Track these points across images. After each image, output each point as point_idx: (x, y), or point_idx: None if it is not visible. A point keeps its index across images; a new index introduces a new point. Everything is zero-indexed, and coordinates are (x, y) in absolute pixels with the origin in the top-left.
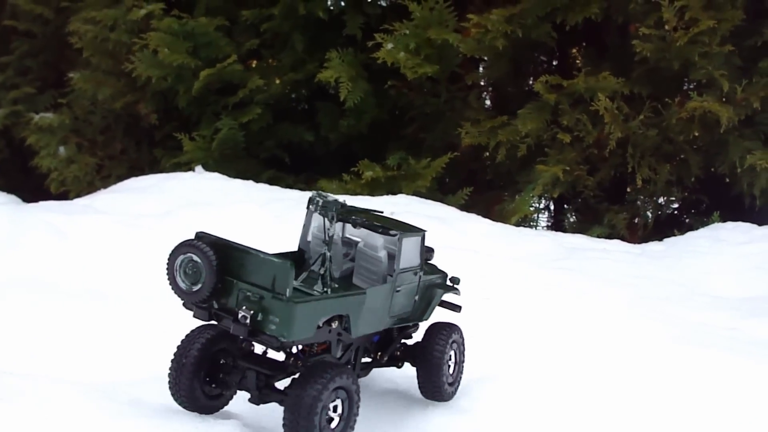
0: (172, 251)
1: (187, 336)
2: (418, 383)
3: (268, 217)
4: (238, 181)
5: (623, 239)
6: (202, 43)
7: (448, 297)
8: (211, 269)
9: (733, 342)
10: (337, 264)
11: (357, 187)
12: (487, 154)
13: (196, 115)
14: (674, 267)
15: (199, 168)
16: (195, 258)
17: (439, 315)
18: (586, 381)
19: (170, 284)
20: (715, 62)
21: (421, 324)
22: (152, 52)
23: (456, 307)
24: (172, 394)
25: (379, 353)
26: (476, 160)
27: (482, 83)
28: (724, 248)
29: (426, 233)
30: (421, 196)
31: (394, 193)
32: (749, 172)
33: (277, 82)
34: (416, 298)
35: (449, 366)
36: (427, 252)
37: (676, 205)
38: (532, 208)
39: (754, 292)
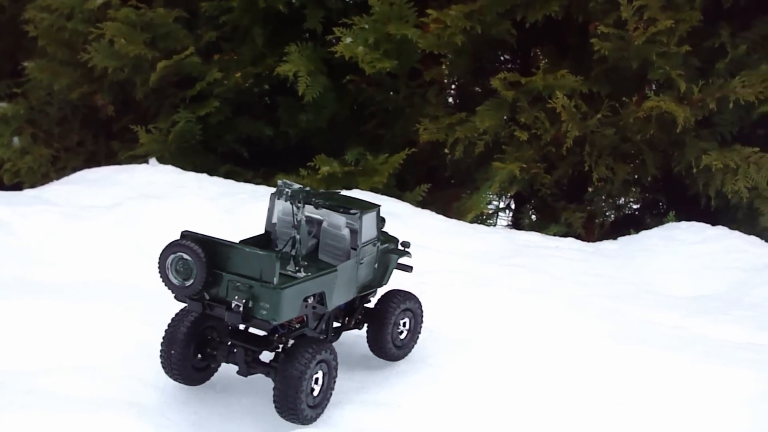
0: (162, 251)
1: (177, 314)
2: (367, 341)
3: (215, 211)
4: (192, 175)
5: (580, 238)
6: (161, 34)
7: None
8: (202, 264)
9: (673, 340)
10: (304, 243)
11: (313, 182)
12: (447, 150)
13: (154, 107)
14: (626, 266)
15: (152, 161)
16: (185, 256)
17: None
18: (515, 376)
19: (163, 282)
20: (672, 62)
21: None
22: (108, 43)
23: (408, 268)
24: (164, 368)
25: (347, 318)
26: (435, 156)
27: (445, 80)
28: (676, 248)
29: (381, 208)
30: (378, 192)
31: (351, 189)
32: (705, 172)
33: (237, 75)
34: (376, 266)
35: (399, 329)
36: (383, 222)
37: (636, 205)
38: (489, 206)
39: (703, 291)
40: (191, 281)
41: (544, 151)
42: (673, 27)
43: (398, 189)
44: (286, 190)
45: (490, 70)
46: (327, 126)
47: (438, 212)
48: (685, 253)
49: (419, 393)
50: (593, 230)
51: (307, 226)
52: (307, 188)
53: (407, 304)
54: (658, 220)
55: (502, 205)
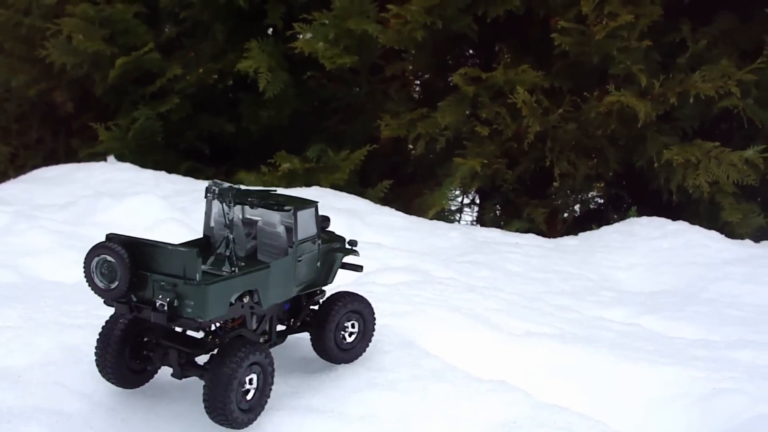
0: (87, 254)
1: (112, 315)
2: (311, 342)
3: (169, 209)
4: (150, 172)
5: (542, 234)
6: (120, 30)
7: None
8: (125, 266)
9: (624, 338)
10: (242, 244)
11: (274, 179)
12: (411, 147)
13: (114, 104)
14: (585, 261)
15: (110, 158)
16: (109, 258)
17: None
18: (454, 380)
19: (89, 285)
20: (633, 57)
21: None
22: (66, 39)
23: (357, 267)
24: (99, 370)
25: (292, 320)
26: (399, 152)
27: (411, 76)
28: (636, 243)
29: (318, 204)
30: (339, 189)
31: (312, 186)
32: (666, 167)
33: (198, 71)
34: (318, 264)
35: (345, 332)
36: (323, 221)
37: (600, 201)
38: (453, 202)
39: (662, 286)
40: (116, 283)
41: (506, 146)
42: (634, 22)
43: (361, 185)
44: (214, 188)
45: (454, 65)
46: (289, 122)
47: (401, 209)
48: (645, 248)
49: (353, 398)
50: (556, 226)
51: (246, 228)
52: (238, 187)
53: (354, 306)
54: (622, 215)
55: (467, 201)
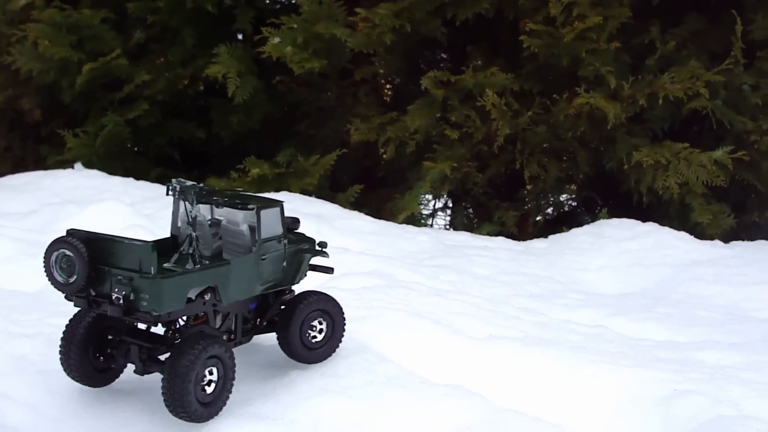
0: (47, 248)
1: (75, 315)
2: (278, 341)
3: (134, 216)
4: (117, 179)
5: (513, 237)
6: (87, 36)
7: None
8: (83, 260)
9: (589, 340)
10: (207, 244)
11: (244, 185)
12: (383, 151)
13: (82, 110)
14: (554, 264)
15: (78, 165)
16: (68, 252)
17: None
18: (411, 386)
19: (48, 279)
20: (602, 59)
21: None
22: (33, 45)
23: (328, 270)
24: (64, 369)
25: (258, 319)
26: (369, 157)
27: (382, 80)
28: (606, 245)
29: (284, 204)
30: (309, 194)
31: (281, 191)
32: (636, 168)
33: (167, 76)
34: (284, 264)
35: (309, 331)
36: (292, 222)
37: (573, 203)
38: (423, 206)
39: (630, 288)
40: (74, 278)
41: (476, 149)
42: (603, 24)
43: (331, 190)
44: (175, 186)
45: (426, 69)
46: (260, 127)
47: (372, 213)
48: (614, 249)
49: (305, 405)
50: (527, 229)
51: (212, 228)
52: (202, 185)
53: (322, 305)
54: (595, 217)
55: (439, 205)
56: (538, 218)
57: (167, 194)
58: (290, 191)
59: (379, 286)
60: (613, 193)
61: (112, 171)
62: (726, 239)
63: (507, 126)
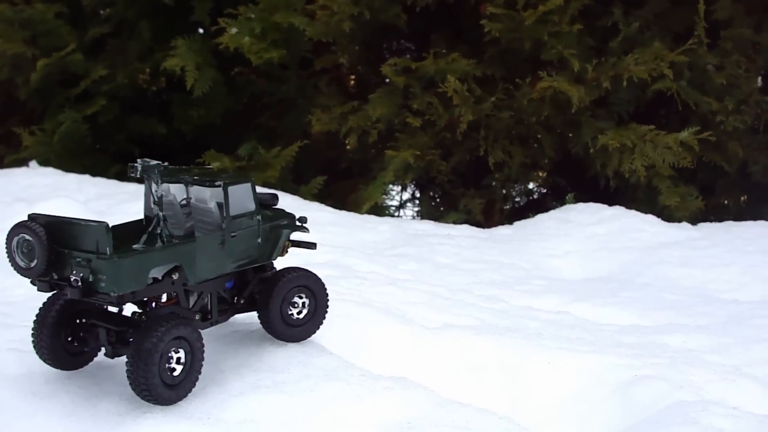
0: (8, 233)
1: (47, 299)
2: (258, 318)
3: (85, 213)
4: (73, 176)
5: (480, 225)
6: (41, 31)
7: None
8: (42, 244)
9: (549, 327)
10: (179, 224)
11: None
12: (346, 141)
13: (39, 107)
14: (519, 250)
15: (33, 163)
16: (27, 237)
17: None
18: (357, 382)
19: (11, 264)
20: (565, 42)
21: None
22: None
23: (311, 245)
24: (36, 352)
25: (236, 298)
26: (332, 148)
27: (345, 70)
28: (571, 230)
29: (253, 181)
30: (271, 187)
31: None
32: (602, 152)
33: (127, 71)
34: (259, 240)
35: (291, 308)
36: (271, 198)
37: (542, 190)
38: (388, 196)
39: (597, 272)
40: (35, 262)
41: (440, 137)
42: (564, 6)
43: (295, 182)
44: (137, 165)
45: (389, 57)
46: (221, 121)
47: (336, 205)
48: (580, 234)
49: (234, 403)
50: (493, 216)
51: (184, 208)
52: (165, 164)
53: (303, 281)
54: (563, 203)
55: (408, 196)
56: (506, 206)
57: (129, 174)
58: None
59: (332, 277)
60: (580, 178)
61: (70, 169)
62: (694, 222)
63: (470, 112)
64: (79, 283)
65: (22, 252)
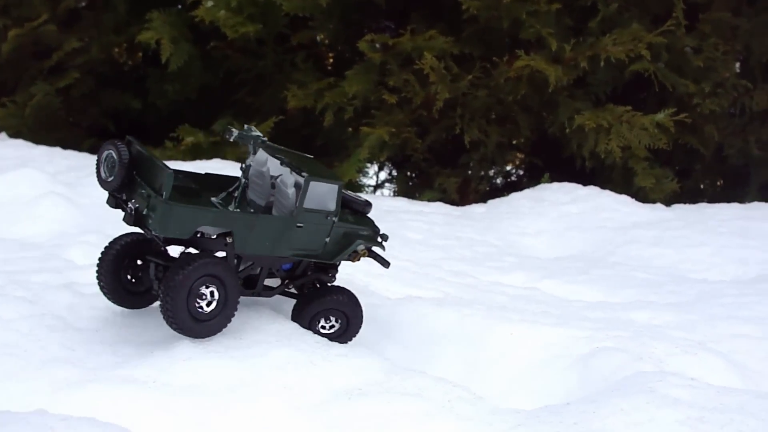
0: (102, 146)
1: (112, 239)
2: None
3: (51, 184)
4: (43, 149)
5: (455, 204)
6: (12, 1)
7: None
8: (122, 164)
9: (515, 301)
10: (264, 195)
11: (178, 154)
12: (324, 118)
13: (12, 80)
14: (491, 228)
15: (2, 135)
16: (113, 155)
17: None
18: (301, 338)
19: (96, 174)
20: (543, 21)
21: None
22: None
23: (386, 263)
24: (100, 288)
25: (287, 281)
26: (309, 124)
27: (324, 46)
28: (545, 208)
29: (342, 185)
30: (245, 163)
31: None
32: (578, 132)
33: (100, 43)
34: (326, 239)
35: (323, 322)
36: (364, 205)
37: (519, 170)
38: (365, 176)
39: (568, 251)
40: (112, 178)
41: (416, 114)
42: None
43: None
44: (233, 130)
45: (362, 33)
46: (198, 96)
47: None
48: (553, 213)
49: (181, 367)
50: (468, 195)
51: (272, 180)
52: (264, 138)
53: (339, 306)
54: (537, 182)
55: (385, 176)
56: (483, 186)
57: (224, 136)
58: (227, 160)
59: None
60: (557, 158)
61: (43, 142)
62: (669, 204)
63: (446, 90)
64: (133, 212)
65: (107, 166)
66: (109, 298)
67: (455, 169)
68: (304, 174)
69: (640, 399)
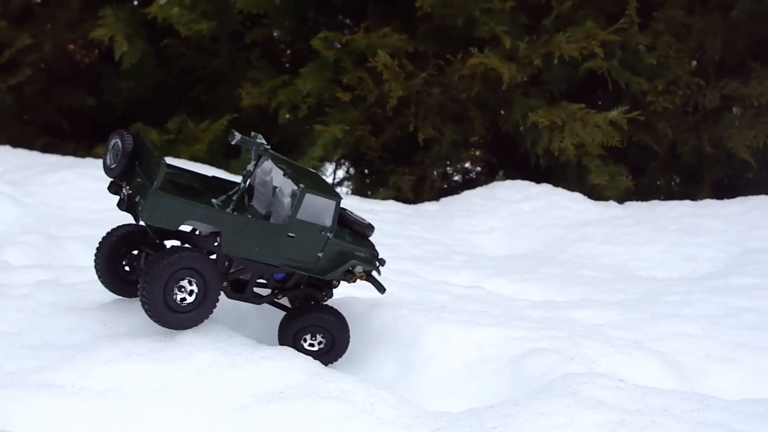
0: (110, 135)
1: (110, 229)
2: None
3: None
4: None
5: (409, 202)
6: None
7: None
8: (125, 153)
9: (454, 301)
10: (265, 202)
11: None
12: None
13: None
14: (443, 226)
15: None
16: (119, 143)
17: None
18: (228, 341)
19: (103, 160)
20: (497, 18)
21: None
22: None
23: (381, 288)
24: (97, 275)
25: (277, 291)
26: (265, 122)
27: (280, 43)
28: (497, 206)
29: (340, 202)
30: (200, 162)
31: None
32: (532, 130)
33: (53, 40)
34: (319, 254)
35: (307, 339)
36: (366, 228)
37: (478, 169)
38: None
39: (518, 249)
40: (115, 165)
41: (370, 112)
42: None
43: (226, 157)
44: (235, 135)
45: (316, 30)
46: (153, 94)
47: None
48: (505, 211)
49: (101, 371)
50: (423, 193)
51: (274, 191)
52: (267, 146)
53: (328, 326)
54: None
55: (342, 173)
56: (440, 184)
57: (228, 138)
58: (181, 158)
59: None
60: (513, 156)
61: None
62: (624, 202)
63: (400, 88)
64: (126, 197)
65: (113, 154)
66: (104, 284)
67: (410, 167)
68: (300, 185)
69: (563, 402)
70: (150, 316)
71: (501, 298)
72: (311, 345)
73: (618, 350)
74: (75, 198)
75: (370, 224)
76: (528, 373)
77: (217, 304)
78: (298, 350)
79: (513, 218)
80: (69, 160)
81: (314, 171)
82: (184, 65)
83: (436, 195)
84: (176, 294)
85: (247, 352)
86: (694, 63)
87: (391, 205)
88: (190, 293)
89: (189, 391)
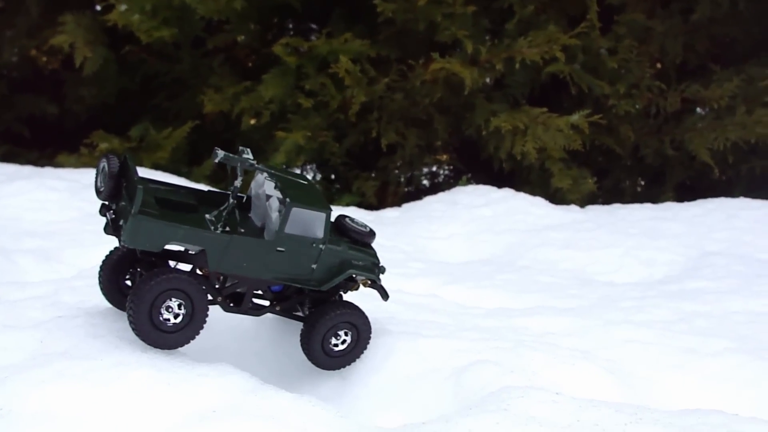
0: (99, 158)
1: (114, 247)
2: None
3: None
4: None
5: (373, 207)
6: None
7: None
8: (112, 177)
9: (406, 311)
10: (261, 216)
11: (93, 160)
12: (252, 121)
13: None
14: (402, 232)
15: None
16: (106, 166)
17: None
18: (164, 359)
19: (94, 183)
20: (459, 23)
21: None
22: None
23: (385, 295)
24: (100, 289)
25: (276, 303)
26: (228, 129)
27: (244, 49)
28: (458, 212)
29: (330, 213)
30: (162, 169)
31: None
32: (495, 134)
33: (12, 48)
34: (313, 266)
35: (332, 340)
36: (367, 235)
37: (442, 172)
38: None
39: (477, 255)
40: (103, 187)
41: (333, 118)
42: None
43: (189, 165)
44: (218, 153)
45: (278, 36)
46: (116, 102)
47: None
48: (466, 217)
49: (33, 393)
50: (387, 199)
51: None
52: (253, 162)
53: (347, 318)
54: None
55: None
56: (405, 189)
57: (213, 160)
58: (143, 167)
59: None
60: (476, 161)
61: None
62: (586, 204)
63: (362, 93)
64: (110, 221)
65: (102, 177)
66: (105, 296)
67: (374, 172)
68: (287, 200)
69: (492, 418)
70: (137, 335)
71: (455, 306)
72: (335, 345)
73: (562, 360)
74: (30, 209)
75: (370, 231)
76: (467, 386)
77: (205, 324)
78: (328, 355)
79: (473, 223)
80: (27, 169)
81: (307, 181)
82: (146, 72)
83: (399, 200)
84: (162, 314)
85: (184, 370)
86: (658, 65)
87: (353, 211)
88: (176, 315)
89: (120, 412)
